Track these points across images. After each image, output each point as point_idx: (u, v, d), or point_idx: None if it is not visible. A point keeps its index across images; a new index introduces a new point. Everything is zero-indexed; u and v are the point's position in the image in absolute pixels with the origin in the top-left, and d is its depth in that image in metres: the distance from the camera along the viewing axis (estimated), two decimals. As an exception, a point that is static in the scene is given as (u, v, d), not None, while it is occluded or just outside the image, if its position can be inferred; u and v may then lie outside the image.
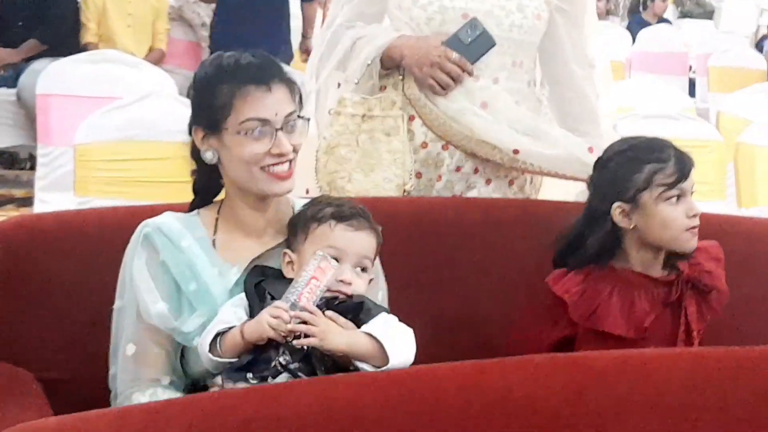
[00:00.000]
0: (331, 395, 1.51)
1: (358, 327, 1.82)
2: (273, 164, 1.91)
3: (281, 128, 1.91)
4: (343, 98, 2.58)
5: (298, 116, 1.95)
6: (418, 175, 2.57)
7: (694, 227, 2.16)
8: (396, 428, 1.48)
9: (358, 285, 1.89)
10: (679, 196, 2.15)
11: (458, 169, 2.58)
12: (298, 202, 2.06)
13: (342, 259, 1.89)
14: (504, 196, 2.62)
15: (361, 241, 1.92)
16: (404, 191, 2.52)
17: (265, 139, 1.90)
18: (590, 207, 2.23)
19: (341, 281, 1.86)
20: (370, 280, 1.95)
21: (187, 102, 2.01)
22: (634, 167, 2.16)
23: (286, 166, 1.93)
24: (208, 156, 1.95)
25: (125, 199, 3.50)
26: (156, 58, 6.09)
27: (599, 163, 2.25)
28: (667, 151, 2.17)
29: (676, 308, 2.19)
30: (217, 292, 1.91)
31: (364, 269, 1.92)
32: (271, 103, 1.90)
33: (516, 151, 2.53)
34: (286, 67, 2.01)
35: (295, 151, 1.94)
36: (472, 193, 2.59)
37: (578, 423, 1.49)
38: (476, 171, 2.59)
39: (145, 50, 6.24)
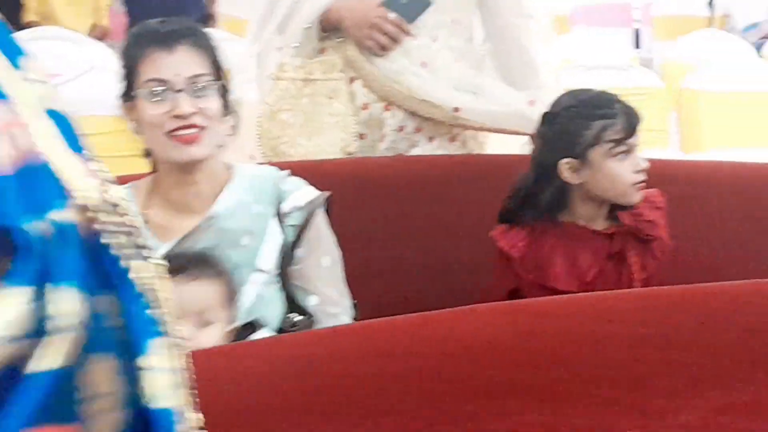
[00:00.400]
0: (295, 352, 1.54)
1: None
2: (177, 128, 1.86)
3: (182, 90, 1.86)
4: (284, 63, 2.58)
5: (213, 80, 1.90)
6: (362, 136, 2.57)
7: (640, 182, 2.17)
8: (353, 378, 1.51)
9: (203, 339, 1.74)
10: (626, 152, 2.15)
11: (401, 129, 2.59)
12: (240, 170, 1.98)
13: (181, 315, 1.71)
14: (447, 153, 2.63)
15: (199, 293, 1.77)
16: (348, 153, 2.53)
17: (165, 102, 1.86)
18: (537, 162, 2.22)
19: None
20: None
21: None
22: (583, 123, 2.14)
23: (191, 130, 1.86)
24: (131, 126, 1.92)
25: (71, 175, 3.47)
26: (100, 34, 5.99)
27: (546, 118, 2.23)
28: (615, 107, 2.17)
29: (620, 260, 2.20)
30: None
31: (209, 322, 1.78)
32: (172, 63, 1.87)
33: (456, 109, 2.54)
34: (207, 32, 1.98)
35: (205, 115, 1.87)
36: (416, 151, 2.60)
37: (522, 366, 1.52)
38: (418, 130, 2.60)
39: (88, 27, 6.13)
